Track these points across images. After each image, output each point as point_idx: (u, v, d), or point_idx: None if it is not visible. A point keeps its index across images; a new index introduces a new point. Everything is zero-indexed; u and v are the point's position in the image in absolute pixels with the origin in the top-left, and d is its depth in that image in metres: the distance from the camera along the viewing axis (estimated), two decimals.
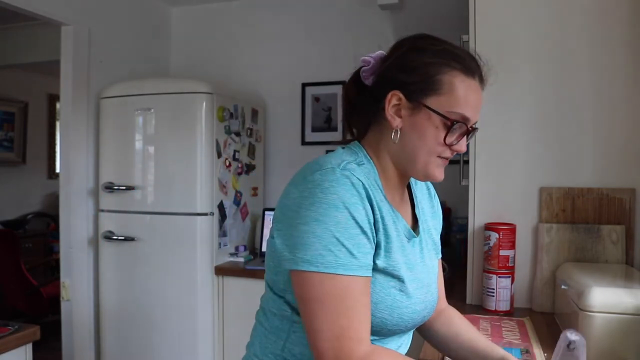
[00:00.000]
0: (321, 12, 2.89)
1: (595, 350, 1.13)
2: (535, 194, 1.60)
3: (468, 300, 1.66)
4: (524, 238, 1.59)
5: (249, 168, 2.71)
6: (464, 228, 2.29)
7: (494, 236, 1.53)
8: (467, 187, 1.67)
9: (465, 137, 0.87)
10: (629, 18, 1.52)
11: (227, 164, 2.49)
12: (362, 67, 0.96)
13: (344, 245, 0.76)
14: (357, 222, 0.78)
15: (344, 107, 1.00)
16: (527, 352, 1.18)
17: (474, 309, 1.58)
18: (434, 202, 1.08)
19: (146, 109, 2.39)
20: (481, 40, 1.62)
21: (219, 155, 2.41)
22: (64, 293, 2.47)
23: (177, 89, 2.39)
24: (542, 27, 1.59)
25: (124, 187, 2.40)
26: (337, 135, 2.89)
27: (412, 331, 0.98)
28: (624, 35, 1.52)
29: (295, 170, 0.95)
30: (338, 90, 2.89)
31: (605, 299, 1.13)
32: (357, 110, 0.96)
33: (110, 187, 2.42)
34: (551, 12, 1.58)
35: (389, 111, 0.86)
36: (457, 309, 1.55)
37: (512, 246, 1.54)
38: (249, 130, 2.71)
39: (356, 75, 0.98)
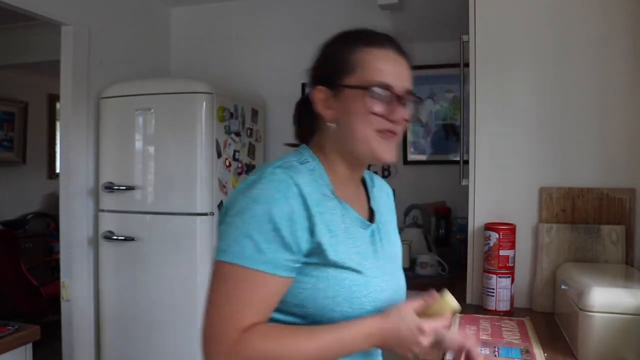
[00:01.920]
0: (321, 12, 2.89)
1: (595, 350, 1.13)
2: (535, 194, 1.59)
3: (468, 300, 1.66)
4: (524, 238, 1.59)
5: (249, 168, 2.71)
6: (464, 228, 2.29)
7: (494, 236, 1.53)
8: (467, 187, 1.66)
9: (399, 104, 0.88)
10: (630, 18, 1.52)
11: (227, 164, 2.49)
12: None
13: (252, 239, 0.79)
14: (272, 219, 0.79)
15: (294, 124, 1.05)
16: (527, 352, 1.18)
17: (474, 309, 1.58)
18: (389, 202, 1.10)
19: (146, 109, 2.39)
20: (481, 40, 1.62)
21: (219, 155, 2.41)
22: (64, 293, 2.47)
23: (177, 89, 2.39)
24: (542, 27, 1.59)
25: (124, 187, 2.40)
26: None
27: None
28: (624, 35, 1.52)
29: None
30: None
31: (605, 299, 1.13)
32: (303, 122, 1.00)
33: (110, 187, 2.42)
34: (551, 12, 1.58)
35: (319, 107, 0.91)
36: None
37: (512, 246, 1.54)
38: (249, 130, 2.71)
39: (305, 97, 1.01)
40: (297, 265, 0.83)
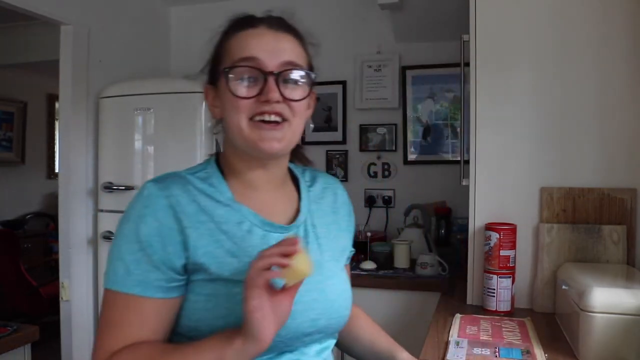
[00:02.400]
0: (321, 12, 2.89)
1: (596, 350, 1.12)
2: (536, 194, 1.59)
3: (468, 301, 1.66)
4: (524, 238, 1.59)
5: None
6: (464, 228, 2.29)
7: (495, 236, 1.53)
8: (467, 187, 1.66)
9: (269, 81, 0.76)
10: (630, 18, 1.52)
11: None
12: None
13: (123, 261, 0.75)
14: (139, 238, 0.74)
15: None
16: (527, 352, 1.17)
17: (475, 309, 1.58)
18: (338, 199, 0.99)
19: (146, 108, 2.39)
20: (481, 40, 1.62)
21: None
22: (63, 293, 2.46)
23: (177, 89, 2.38)
24: (542, 27, 1.59)
25: (123, 187, 2.40)
26: (337, 135, 2.89)
27: (321, 347, 0.86)
28: (625, 35, 1.52)
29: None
30: (338, 90, 2.89)
31: (606, 299, 1.13)
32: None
33: (109, 187, 2.41)
34: (551, 12, 1.58)
35: (209, 107, 0.87)
36: (458, 309, 1.56)
37: (513, 246, 1.54)
38: None
39: None
40: (176, 284, 0.76)
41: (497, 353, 1.17)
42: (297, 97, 0.80)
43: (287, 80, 0.79)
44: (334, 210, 0.97)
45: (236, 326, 0.70)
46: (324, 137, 2.91)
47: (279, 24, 0.83)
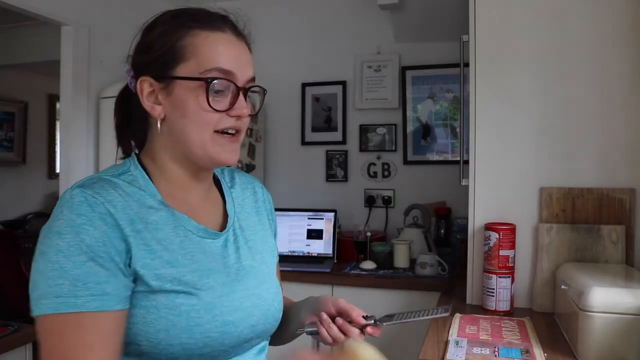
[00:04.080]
0: (321, 12, 2.90)
1: (595, 350, 1.13)
2: (535, 194, 1.59)
3: (468, 301, 1.66)
4: (524, 238, 1.59)
5: (249, 168, 2.71)
6: (464, 228, 2.29)
7: (494, 236, 1.53)
8: (467, 187, 1.66)
9: (240, 97, 0.75)
10: (630, 18, 1.52)
11: None
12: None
13: (67, 278, 0.65)
14: (82, 248, 0.66)
15: (115, 127, 0.90)
16: (527, 352, 1.18)
17: (474, 309, 1.58)
18: (258, 197, 0.95)
19: None
20: (481, 40, 1.62)
21: None
22: None
23: None
24: (542, 27, 1.59)
25: None
26: (337, 135, 2.90)
27: (257, 349, 0.84)
28: (625, 35, 1.52)
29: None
30: (338, 90, 2.89)
31: (606, 299, 1.13)
32: (132, 122, 0.85)
33: None
34: (551, 12, 1.58)
35: (146, 102, 0.76)
36: (458, 308, 1.56)
37: (512, 246, 1.54)
38: (248, 131, 2.71)
39: (125, 88, 0.86)
40: (130, 292, 0.70)
41: (496, 352, 1.17)
42: (252, 112, 0.79)
43: (246, 96, 0.78)
44: (256, 210, 0.93)
45: (177, 339, 0.69)
46: (324, 137, 2.91)
47: (240, 31, 0.80)
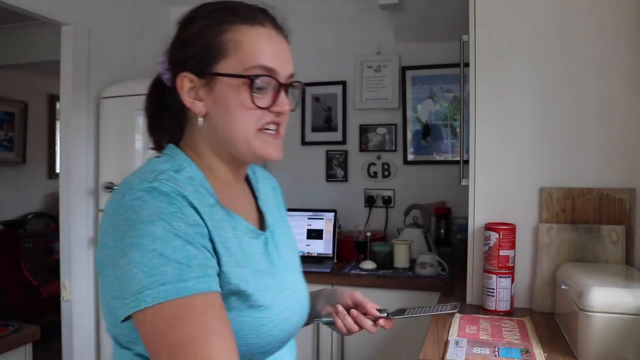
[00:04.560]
0: (321, 12, 2.89)
1: (595, 350, 1.13)
2: (535, 194, 1.59)
3: (468, 300, 1.66)
4: (524, 238, 1.59)
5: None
6: (464, 228, 2.29)
7: (494, 236, 1.53)
8: (467, 187, 1.66)
9: (281, 93, 0.75)
10: (630, 18, 1.52)
11: None
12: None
13: (169, 263, 0.62)
14: (178, 234, 0.64)
15: (146, 118, 0.87)
16: (527, 352, 1.18)
17: (474, 309, 1.58)
18: (277, 193, 0.97)
19: None
20: (481, 40, 1.62)
21: None
22: (64, 293, 2.47)
23: None
24: (542, 27, 1.59)
25: None
26: (337, 135, 2.90)
27: (291, 342, 0.85)
28: (626, 35, 1.52)
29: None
30: (338, 90, 2.89)
31: (606, 299, 1.13)
32: (166, 115, 0.84)
33: (110, 187, 2.42)
34: (552, 12, 1.58)
35: (186, 98, 0.75)
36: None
37: (512, 246, 1.54)
38: None
39: (157, 80, 0.84)
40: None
41: (496, 352, 1.17)
42: (292, 108, 0.79)
43: (288, 92, 0.78)
44: (277, 205, 0.94)
45: (245, 340, 0.68)
46: (324, 137, 2.91)
47: (280, 25, 0.80)
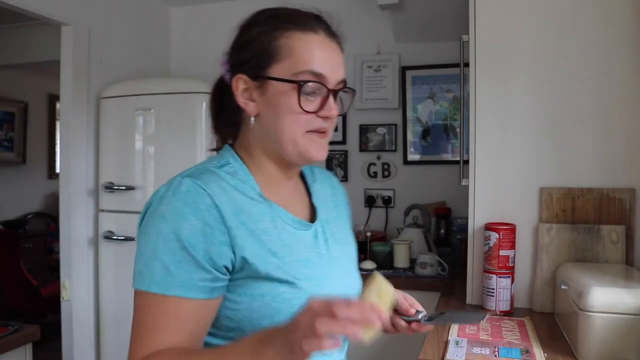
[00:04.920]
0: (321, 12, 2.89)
1: (595, 350, 1.13)
2: (535, 194, 1.59)
3: (468, 300, 1.66)
4: (524, 238, 1.59)
5: None
6: (464, 228, 2.29)
7: (494, 236, 1.53)
8: (467, 187, 1.66)
9: (330, 98, 0.78)
10: (630, 18, 1.52)
11: None
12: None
13: (161, 261, 0.70)
14: (179, 237, 0.70)
15: (210, 118, 0.94)
16: (527, 352, 1.18)
17: (474, 309, 1.58)
18: (336, 192, 1.01)
19: (146, 109, 2.39)
20: (481, 40, 1.62)
21: None
22: (64, 293, 2.47)
23: (177, 89, 2.39)
24: (542, 27, 1.59)
25: (124, 187, 2.40)
26: (337, 135, 2.89)
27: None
28: (625, 36, 1.52)
29: None
30: None
31: (606, 299, 1.13)
32: (224, 115, 0.89)
33: (110, 187, 2.42)
34: (551, 12, 1.58)
35: (240, 98, 0.80)
36: (457, 309, 1.57)
37: (512, 246, 1.54)
38: None
39: (219, 81, 0.90)
40: (220, 283, 0.73)
41: (496, 352, 1.17)
42: (341, 113, 0.82)
43: (337, 97, 0.81)
44: (334, 203, 0.98)
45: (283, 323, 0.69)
46: None
47: (333, 32, 0.83)
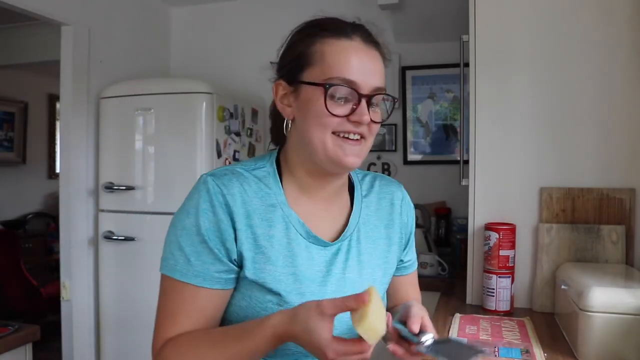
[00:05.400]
0: (321, 12, 2.89)
1: (595, 350, 1.13)
2: (535, 194, 1.59)
3: (468, 300, 1.66)
4: (524, 238, 1.59)
5: None
6: (464, 228, 2.29)
7: (494, 236, 1.53)
8: (467, 187, 1.66)
9: (362, 104, 0.77)
10: (630, 18, 1.52)
11: (227, 164, 2.49)
12: None
13: (183, 251, 0.78)
14: (200, 231, 0.77)
15: (270, 122, 0.95)
16: (527, 352, 1.18)
17: (474, 309, 1.58)
18: (395, 209, 0.96)
19: (146, 109, 2.39)
20: (481, 40, 1.62)
21: (219, 155, 2.41)
22: (64, 293, 2.47)
23: (177, 89, 2.38)
24: (542, 27, 1.59)
25: (124, 187, 2.40)
26: None
27: None
28: (625, 36, 1.52)
29: None
30: None
31: (606, 299, 1.13)
32: (278, 121, 0.89)
33: (110, 187, 2.42)
34: (551, 12, 1.58)
35: (279, 103, 0.83)
36: (457, 309, 1.57)
37: (512, 246, 1.54)
38: (249, 130, 2.71)
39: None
40: (234, 275, 0.79)
41: (496, 352, 1.17)
42: (378, 120, 0.80)
43: (373, 104, 0.80)
44: (387, 222, 0.93)
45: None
46: None
47: (371, 38, 0.83)
